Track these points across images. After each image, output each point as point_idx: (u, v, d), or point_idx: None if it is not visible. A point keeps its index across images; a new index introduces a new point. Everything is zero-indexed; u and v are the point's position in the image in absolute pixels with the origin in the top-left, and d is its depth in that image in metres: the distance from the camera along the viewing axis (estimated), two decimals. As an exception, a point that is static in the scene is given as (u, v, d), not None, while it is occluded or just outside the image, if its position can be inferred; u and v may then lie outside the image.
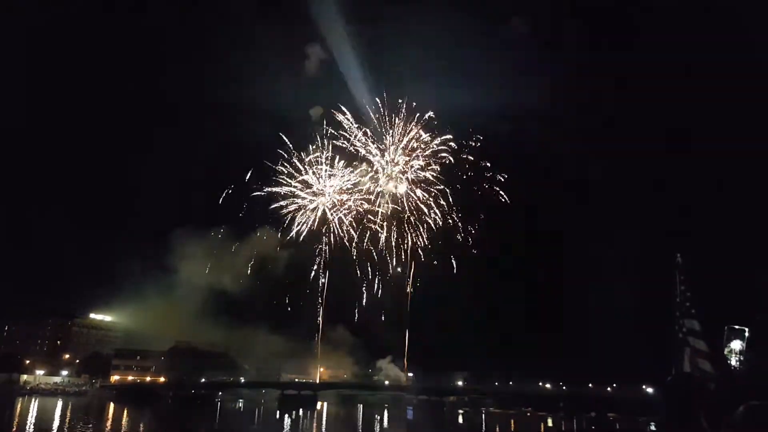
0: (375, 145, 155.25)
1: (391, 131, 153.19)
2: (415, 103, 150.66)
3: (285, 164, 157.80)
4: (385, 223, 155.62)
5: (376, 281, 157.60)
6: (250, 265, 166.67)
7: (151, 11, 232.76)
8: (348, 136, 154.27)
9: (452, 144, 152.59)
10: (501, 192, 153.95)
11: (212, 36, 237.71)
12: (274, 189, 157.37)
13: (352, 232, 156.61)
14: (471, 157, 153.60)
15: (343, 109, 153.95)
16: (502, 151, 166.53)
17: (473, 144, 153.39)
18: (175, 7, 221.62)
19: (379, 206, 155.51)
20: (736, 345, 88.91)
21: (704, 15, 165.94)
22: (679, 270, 15.91)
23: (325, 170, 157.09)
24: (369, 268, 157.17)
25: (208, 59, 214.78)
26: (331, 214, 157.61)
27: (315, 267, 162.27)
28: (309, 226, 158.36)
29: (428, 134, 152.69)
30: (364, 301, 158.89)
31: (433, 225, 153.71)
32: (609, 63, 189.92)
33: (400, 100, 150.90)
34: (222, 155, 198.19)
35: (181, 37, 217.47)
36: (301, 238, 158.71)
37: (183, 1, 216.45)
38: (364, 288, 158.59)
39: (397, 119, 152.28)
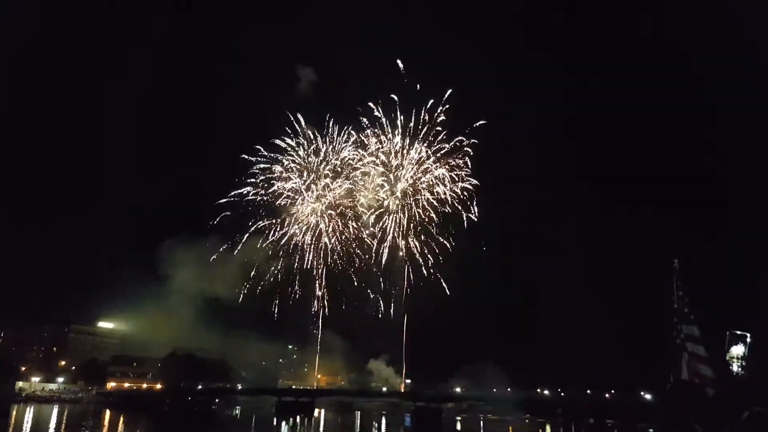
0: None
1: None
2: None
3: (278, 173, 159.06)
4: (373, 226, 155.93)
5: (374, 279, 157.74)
6: (241, 274, 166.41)
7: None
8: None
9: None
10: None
11: (211, 49, 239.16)
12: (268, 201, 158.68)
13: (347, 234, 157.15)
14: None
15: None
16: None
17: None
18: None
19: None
20: (738, 350, 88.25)
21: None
22: (676, 276, 15.79)
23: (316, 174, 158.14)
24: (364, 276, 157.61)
25: (207, 76, 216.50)
26: (324, 221, 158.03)
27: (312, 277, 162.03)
28: (301, 234, 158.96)
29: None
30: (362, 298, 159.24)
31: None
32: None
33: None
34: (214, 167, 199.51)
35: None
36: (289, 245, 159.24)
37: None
38: (360, 286, 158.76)
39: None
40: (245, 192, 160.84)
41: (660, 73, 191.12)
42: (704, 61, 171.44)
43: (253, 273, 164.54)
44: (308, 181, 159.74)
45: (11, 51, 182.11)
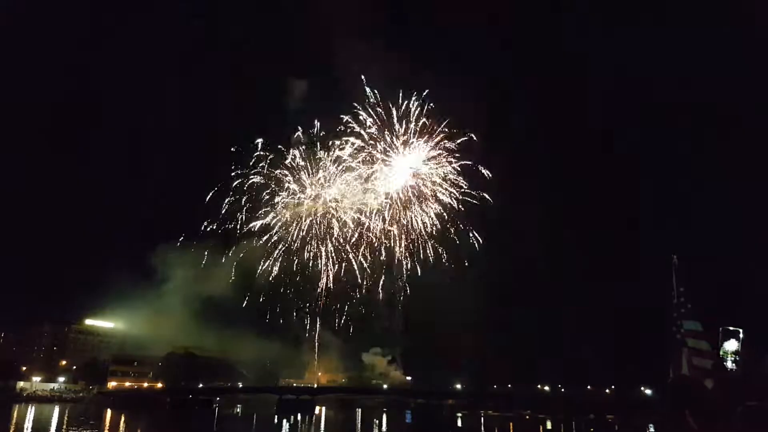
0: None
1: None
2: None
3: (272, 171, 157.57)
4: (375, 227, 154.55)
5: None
6: (237, 273, 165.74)
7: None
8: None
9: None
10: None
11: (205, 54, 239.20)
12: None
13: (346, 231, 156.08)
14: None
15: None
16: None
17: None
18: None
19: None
20: (731, 346, 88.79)
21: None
22: (675, 271, 15.85)
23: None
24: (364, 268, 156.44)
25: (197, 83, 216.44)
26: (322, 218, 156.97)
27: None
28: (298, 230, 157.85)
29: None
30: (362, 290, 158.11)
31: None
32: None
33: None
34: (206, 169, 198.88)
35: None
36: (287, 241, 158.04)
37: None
38: (361, 283, 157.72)
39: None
40: (240, 190, 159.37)
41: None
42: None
43: (249, 271, 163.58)
44: (302, 182, 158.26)
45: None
